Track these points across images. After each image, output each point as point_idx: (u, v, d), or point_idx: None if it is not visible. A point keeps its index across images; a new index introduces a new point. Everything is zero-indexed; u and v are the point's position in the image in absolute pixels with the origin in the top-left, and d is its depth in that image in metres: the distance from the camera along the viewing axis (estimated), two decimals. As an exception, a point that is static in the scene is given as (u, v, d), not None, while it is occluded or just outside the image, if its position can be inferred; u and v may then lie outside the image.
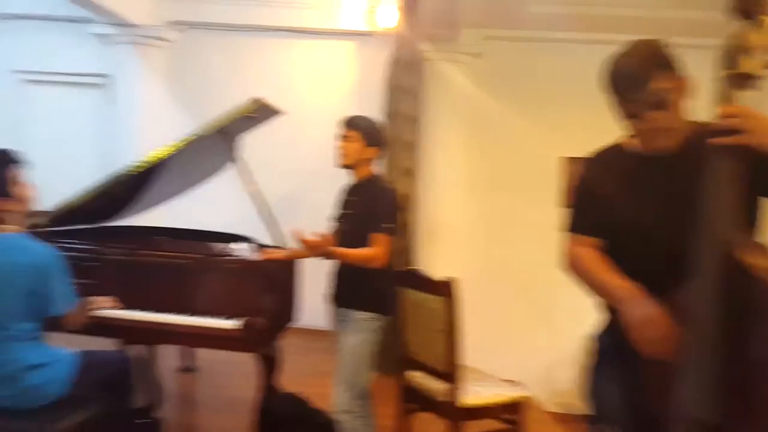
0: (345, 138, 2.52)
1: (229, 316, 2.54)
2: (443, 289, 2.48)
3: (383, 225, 2.43)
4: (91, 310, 2.44)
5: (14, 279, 2.09)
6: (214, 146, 3.13)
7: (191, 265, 2.71)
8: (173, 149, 2.89)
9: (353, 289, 2.53)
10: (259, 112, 3.00)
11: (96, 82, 5.71)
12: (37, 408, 2.15)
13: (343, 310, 2.55)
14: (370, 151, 2.53)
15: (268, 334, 2.60)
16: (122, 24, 5.19)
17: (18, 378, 2.11)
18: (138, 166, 2.94)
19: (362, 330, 2.48)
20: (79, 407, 2.22)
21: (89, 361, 2.35)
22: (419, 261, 4.68)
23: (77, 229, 3.16)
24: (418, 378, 2.77)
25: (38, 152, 5.64)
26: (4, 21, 5.77)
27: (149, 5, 5.31)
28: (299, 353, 4.48)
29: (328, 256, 2.39)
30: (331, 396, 2.50)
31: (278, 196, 5.17)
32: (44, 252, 2.17)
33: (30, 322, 2.16)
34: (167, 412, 3.17)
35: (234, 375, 3.95)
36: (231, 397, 3.70)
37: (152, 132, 5.21)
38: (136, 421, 2.87)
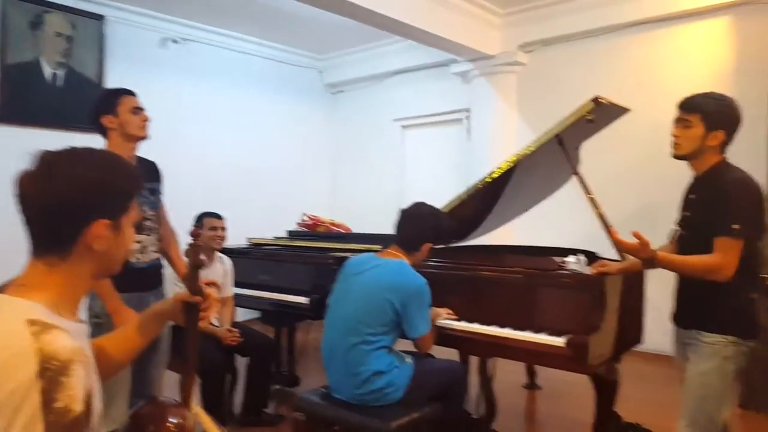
0: (681, 123, 2.10)
1: (559, 333, 2.38)
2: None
3: (730, 226, 1.92)
4: (433, 320, 2.60)
5: (388, 296, 2.37)
6: (555, 157, 3.03)
7: (521, 280, 2.65)
8: (511, 163, 2.91)
9: (701, 306, 2.06)
10: (600, 113, 2.74)
11: (458, 117, 6.30)
12: (377, 406, 2.38)
13: (690, 332, 2.09)
14: (714, 137, 2.04)
15: (599, 353, 2.33)
16: (479, 58, 5.61)
17: (366, 380, 2.36)
18: (477, 185, 3.04)
19: (712, 356, 1.99)
20: (414, 409, 2.37)
21: (425, 369, 2.51)
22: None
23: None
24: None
25: (415, 186, 6.61)
26: (387, 78, 6.87)
27: (501, 34, 5.61)
28: (641, 380, 3.99)
29: (654, 265, 2.01)
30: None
31: (639, 205, 4.78)
32: (418, 282, 2.42)
33: (389, 335, 2.42)
34: (505, 426, 3.16)
35: (576, 395, 3.77)
36: (571, 417, 3.53)
37: (504, 158, 5.41)
38: (471, 429, 2.94)
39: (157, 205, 2.62)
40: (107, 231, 1.08)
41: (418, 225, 2.54)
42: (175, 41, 5.73)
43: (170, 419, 1.20)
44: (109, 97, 2.47)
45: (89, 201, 1.06)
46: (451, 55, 5.75)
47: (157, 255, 2.61)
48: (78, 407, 0.95)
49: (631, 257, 2.46)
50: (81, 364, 0.97)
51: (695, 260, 1.99)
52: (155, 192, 2.61)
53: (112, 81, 5.22)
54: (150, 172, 2.61)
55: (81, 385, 0.97)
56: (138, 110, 2.48)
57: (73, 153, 1.09)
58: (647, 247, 1.96)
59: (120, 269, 1.20)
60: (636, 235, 1.98)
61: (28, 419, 0.90)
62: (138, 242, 2.48)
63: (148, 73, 5.56)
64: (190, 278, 1.38)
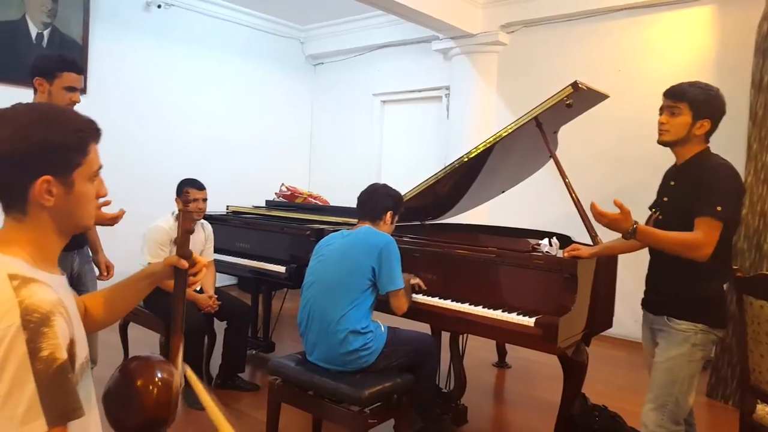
0: (669, 110, 2.11)
1: (531, 313, 2.44)
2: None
3: (714, 207, 1.94)
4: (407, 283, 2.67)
5: (360, 255, 2.51)
6: (533, 140, 3.05)
7: (494, 260, 2.70)
8: (489, 143, 2.94)
9: (673, 293, 2.11)
10: (579, 98, 2.75)
11: (437, 95, 6.30)
12: (348, 372, 2.44)
13: (660, 318, 2.14)
14: (701, 126, 2.07)
15: (568, 335, 2.41)
16: (461, 36, 5.58)
17: (343, 340, 2.42)
18: (455, 164, 3.07)
19: (682, 343, 2.05)
20: (386, 378, 2.43)
21: (399, 337, 2.58)
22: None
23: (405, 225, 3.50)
24: (769, 414, 2.19)
25: (392, 162, 6.63)
26: (366, 53, 6.81)
27: (483, 12, 5.58)
28: (609, 364, 4.11)
29: (634, 236, 2.01)
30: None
31: (615, 189, 4.85)
32: (385, 238, 2.56)
33: (365, 296, 2.50)
34: (473, 401, 3.23)
35: (545, 376, 3.85)
36: (538, 397, 3.59)
37: (482, 138, 5.46)
38: (441, 402, 3.02)
39: None
40: (54, 188, 1.08)
41: (376, 196, 2.74)
42: (159, 6, 5.65)
43: (158, 374, 1.22)
44: (53, 64, 2.39)
45: (26, 159, 1.05)
46: (433, 32, 5.71)
47: None
48: (62, 355, 0.98)
49: (602, 242, 2.54)
50: (61, 315, 1.00)
51: (676, 236, 2.00)
52: None
53: (96, 43, 5.17)
54: None
55: (62, 334, 1.00)
56: (71, 89, 2.40)
57: (8, 112, 1.08)
58: (629, 217, 1.97)
59: (92, 224, 1.19)
60: (617, 204, 1.99)
61: (17, 369, 0.93)
62: None
63: (131, 36, 5.50)
64: (181, 243, 1.40)
